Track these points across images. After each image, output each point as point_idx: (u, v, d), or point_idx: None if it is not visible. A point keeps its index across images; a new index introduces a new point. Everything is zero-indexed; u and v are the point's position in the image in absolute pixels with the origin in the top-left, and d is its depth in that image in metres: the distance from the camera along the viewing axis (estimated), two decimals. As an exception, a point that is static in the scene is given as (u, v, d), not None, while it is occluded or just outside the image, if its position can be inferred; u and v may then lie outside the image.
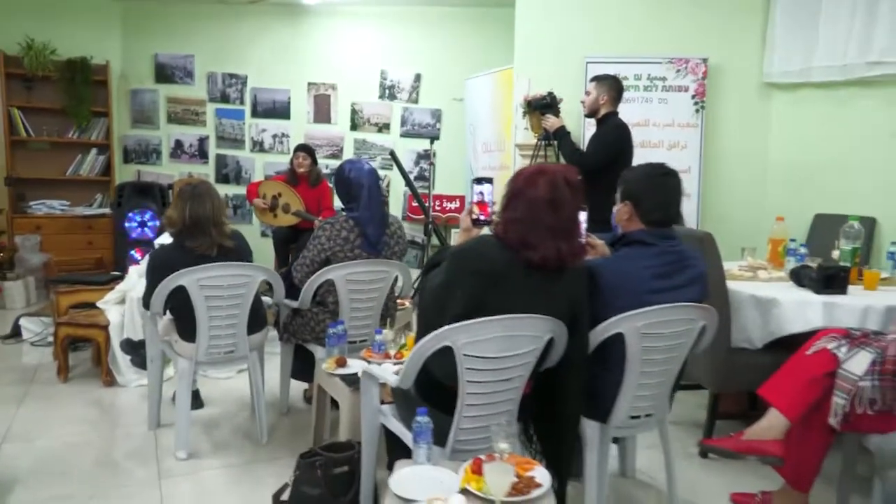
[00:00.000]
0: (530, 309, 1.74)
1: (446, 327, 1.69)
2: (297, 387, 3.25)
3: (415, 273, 3.43)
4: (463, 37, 6.07)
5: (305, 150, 4.87)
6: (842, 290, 2.58)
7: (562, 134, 3.58)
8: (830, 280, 2.59)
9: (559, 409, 1.94)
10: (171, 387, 3.13)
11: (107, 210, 5.75)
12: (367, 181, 2.78)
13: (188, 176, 5.96)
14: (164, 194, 5.60)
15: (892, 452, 1.61)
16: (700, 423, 2.94)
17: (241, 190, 5.95)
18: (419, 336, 1.81)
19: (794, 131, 4.26)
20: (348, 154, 6.23)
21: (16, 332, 4.23)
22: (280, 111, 6.20)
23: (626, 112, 3.64)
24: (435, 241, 5.24)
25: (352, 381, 2.32)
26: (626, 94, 3.73)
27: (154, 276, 2.62)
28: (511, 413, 1.86)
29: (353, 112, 6.25)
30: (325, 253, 2.75)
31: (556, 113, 3.68)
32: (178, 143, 6.16)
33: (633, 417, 2.04)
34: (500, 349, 1.73)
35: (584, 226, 1.95)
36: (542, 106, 3.71)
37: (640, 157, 3.11)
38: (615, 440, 2.45)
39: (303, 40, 6.12)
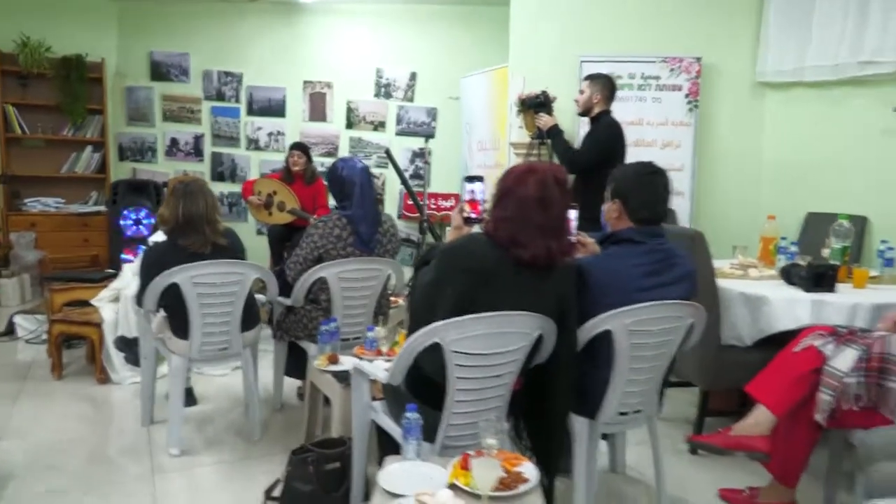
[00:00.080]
0: (520, 306, 1.75)
1: (436, 324, 1.70)
2: (291, 384, 3.27)
3: (408, 271, 3.45)
4: (458, 35, 6.08)
5: (301, 148, 4.88)
6: (830, 288, 2.61)
7: (555, 132, 3.60)
8: (819, 278, 2.61)
9: (548, 406, 1.96)
10: (165, 384, 3.14)
11: (102, 208, 5.74)
12: (359, 179, 2.79)
13: (183, 174, 5.96)
14: (159, 192, 5.59)
15: (874, 447, 1.64)
16: (691, 420, 2.96)
17: (237, 188, 5.95)
18: (410, 333, 1.83)
19: (787, 130, 4.28)
20: (344, 152, 6.23)
21: (10, 330, 4.24)
22: (276, 109, 6.20)
23: (619, 111, 3.66)
24: (430, 239, 5.24)
25: (343, 377, 2.34)
26: (620, 93, 3.75)
27: (147, 274, 2.63)
28: (500, 409, 1.87)
29: (349, 110, 6.26)
30: (318, 251, 2.76)
31: (550, 111, 3.69)
32: (174, 141, 6.16)
33: (621, 414, 2.06)
34: (489, 346, 1.74)
35: (574, 224, 1.97)
36: (535, 104, 3.72)
37: (633, 156, 3.12)
38: (605, 436, 2.47)
39: (298, 38, 6.12)
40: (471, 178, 2.07)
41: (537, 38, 4.41)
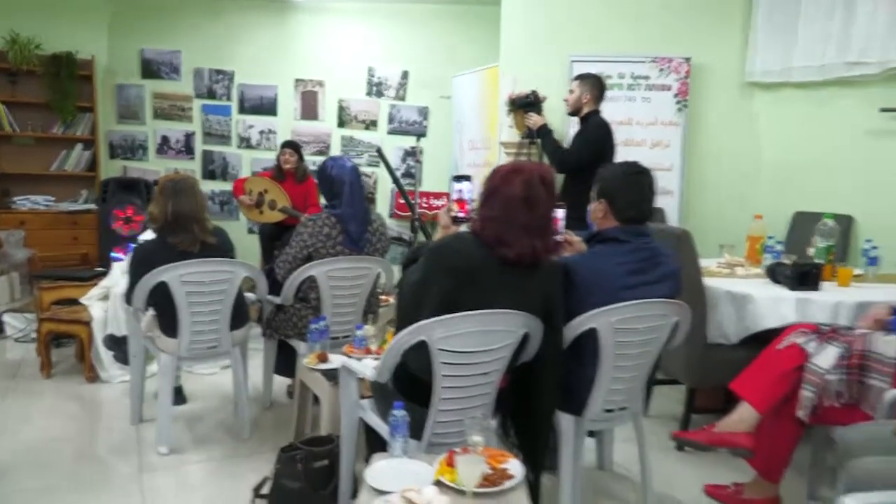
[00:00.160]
0: (505, 305, 1.77)
1: (422, 322, 1.72)
2: (281, 382, 3.27)
3: (399, 270, 3.45)
4: (450, 34, 6.08)
5: (292, 146, 4.87)
6: (814, 286, 2.64)
7: (544, 132, 3.62)
8: (804, 277, 2.64)
9: (535, 404, 1.98)
10: (154, 382, 3.14)
11: (92, 206, 5.72)
12: (348, 178, 2.80)
13: (174, 172, 5.94)
14: (149, 190, 5.56)
15: (853, 443, 1.66)
16: (678, 417, 2.99)
17: (228, 186, 5.93)
18: (397, 331, 1.84)
19: (775, 130, 4.31)
20: (335, 151, 6.23)
21: (-1, 329, 4.23)
22: (267, 107, 6.19)
23: (609, 110, 3.68)
24: (422, 238, 5.26)
25: (332, 376, 2.35)
26: (609, 93, 3.78)
27: (136, 272, 2.63)
28: (487, 407, 1.89)
29: (341, 109, 6.26)
30: (308, 249, 2.76)
31: (539, 111, 3.71)
32: (165, 139, 6.14)
33: (607, 411, 2.08)
34: (475, 344, 1.76)
35: (562, 223, 1.99)
36: (525, 104, 3.75)
37: (623, 156, 3.14)
38: (591, 434, 2.49)
39: (290, 37, 6.11)
40: (459, 178, 2.09)
41: (528, 37, 4.42)
